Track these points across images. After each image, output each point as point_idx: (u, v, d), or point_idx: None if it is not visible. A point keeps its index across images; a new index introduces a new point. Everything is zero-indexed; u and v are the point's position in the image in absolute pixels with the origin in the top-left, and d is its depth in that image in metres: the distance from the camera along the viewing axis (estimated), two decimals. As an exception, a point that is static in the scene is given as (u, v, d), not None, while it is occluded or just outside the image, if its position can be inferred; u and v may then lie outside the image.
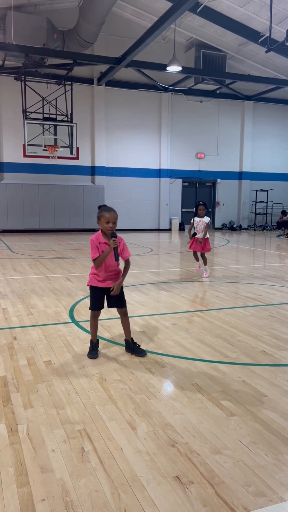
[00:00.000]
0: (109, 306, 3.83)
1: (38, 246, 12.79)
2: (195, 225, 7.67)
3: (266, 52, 13.73)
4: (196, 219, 7.66)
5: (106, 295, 3.77)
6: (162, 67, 15.00)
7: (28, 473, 2.17)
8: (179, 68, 14.45)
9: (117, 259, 3.61)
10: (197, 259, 8.00)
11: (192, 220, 7.74)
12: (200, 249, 7.68)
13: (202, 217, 7.60)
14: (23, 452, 2.34)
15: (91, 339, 3.84)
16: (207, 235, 7.66)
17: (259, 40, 15.10)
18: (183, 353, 3.88)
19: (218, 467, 2.22)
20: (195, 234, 7.69)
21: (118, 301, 3.77)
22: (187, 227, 8.40)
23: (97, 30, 14.58)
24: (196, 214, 7.68)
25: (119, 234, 3.65)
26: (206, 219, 7.60)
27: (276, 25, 14.14)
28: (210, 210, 20.68)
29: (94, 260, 3.61)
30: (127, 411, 2.80)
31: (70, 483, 2.09)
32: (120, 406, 2.87)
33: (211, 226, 20.70)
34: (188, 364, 3.63)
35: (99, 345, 3.88)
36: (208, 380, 3.29)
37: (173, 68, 14.42)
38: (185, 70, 15.53)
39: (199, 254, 7.88)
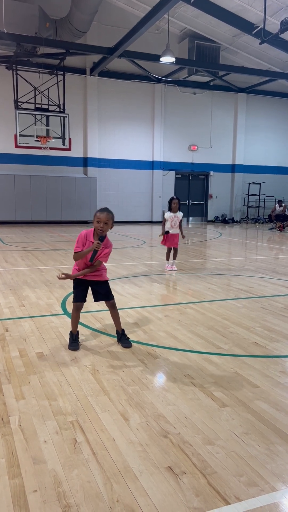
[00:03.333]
0: (95, 300, 3.84)
1: (30, 237, 12.70)
2: (169, 220, 7.42)
3: (260, 44, 13.68)
4: (170, 214, 7.42)
5: (92, 289, 3.80)
6: (156, 57, 14.87)
7: (20, 464, 2.16)
8: (173, 59, 14.33)
9: (91, 261, 3.62)
10: (168, 258, 7.73)
11: (165, 215, 7.46)
12: (175, 244, 7.58)
13: (176, 212, 7.45)
14: (15, 444, 2.33)
15: (70, 331, 3.82)
16: (178, 230, 7.57)
17: (253, 32, 14.98)
18: (175, 345, 3.88)
19: (210, 457, 2.23)
20: (167, 232, 7.49)
21: (104, 295, 3.79)
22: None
23: (90, 19, 14.40)
24: (170, 209, 7.47)
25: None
26: (180, 214, 7.48)
27: (270, 16, 14.03)
28: (202, 202, 20.69)
29: (75, 253, 3.63)
30: (120, 402, 2.80)
31: (63, 474, 2.08)
32: (113, 397, 2.86)
33: (203, 219, 20.76)
34: (180, 355, 3.63)
35: (79, 336, 3.87)
36: (201, 371, 3.30)
37: (167, 59, 14.30)
38: (178, 61, 15.40)
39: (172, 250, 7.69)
